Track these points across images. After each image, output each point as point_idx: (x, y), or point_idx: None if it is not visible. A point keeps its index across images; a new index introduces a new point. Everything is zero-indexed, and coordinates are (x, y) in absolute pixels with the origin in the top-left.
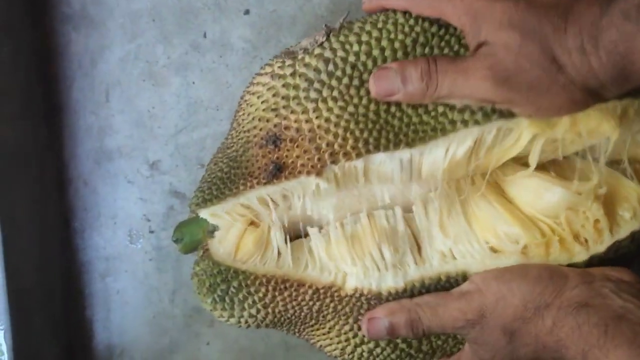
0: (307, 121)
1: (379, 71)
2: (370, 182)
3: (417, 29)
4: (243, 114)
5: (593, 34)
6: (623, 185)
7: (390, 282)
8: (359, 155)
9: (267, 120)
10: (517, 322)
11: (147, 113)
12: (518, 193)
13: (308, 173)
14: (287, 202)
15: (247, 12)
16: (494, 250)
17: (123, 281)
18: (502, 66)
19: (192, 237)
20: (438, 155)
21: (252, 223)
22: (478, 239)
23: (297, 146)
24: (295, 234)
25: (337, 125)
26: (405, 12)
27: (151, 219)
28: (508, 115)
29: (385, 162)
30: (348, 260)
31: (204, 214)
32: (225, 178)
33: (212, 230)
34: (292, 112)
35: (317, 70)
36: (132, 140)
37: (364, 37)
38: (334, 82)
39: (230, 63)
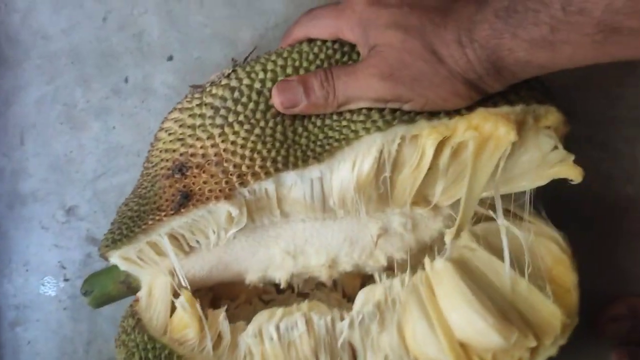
0: (213, 146)
1: (281, 83)
2: (286, 216)
3: (322, 55)
4: (152, 151)
5: (468, 28)
6: (545, 308)
7: None
8: (267, 174)
9: (174, 151)
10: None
11: (64, 157)
12: (448, 309)
13: (216, 198)
14: (205, 242)
15: (170, 58)
16: None
17: (34, 331)
18: (387, 62)
19: (102, 289)
20: (346, 170)
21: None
22: (409, 358)
23: (204, 172)
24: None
25: (243, 147)
26: (310, 41)
27: (67, 267)
28: (408, 120)
29: (296, 183)
30: None
31: (115, 257)
32: (135, 216)
33: (124, 281)
34: (198, 139)
35: (222, 98)
36: (47, 184)
37: (270, 66)
38: (239, 108)
39: (153, 108)
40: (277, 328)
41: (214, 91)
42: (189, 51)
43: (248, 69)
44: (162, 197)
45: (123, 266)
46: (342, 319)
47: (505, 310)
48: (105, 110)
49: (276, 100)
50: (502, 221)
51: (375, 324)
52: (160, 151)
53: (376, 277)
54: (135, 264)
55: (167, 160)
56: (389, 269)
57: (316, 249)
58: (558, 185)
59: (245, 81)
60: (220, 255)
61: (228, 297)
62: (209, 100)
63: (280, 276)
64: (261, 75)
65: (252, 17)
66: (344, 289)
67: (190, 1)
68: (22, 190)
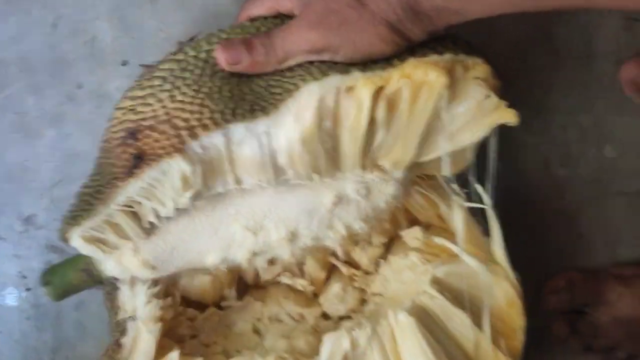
0: (162, 107)
1: (224, 41)
2: (240, 183)
3: (263, 28)
4: (107, 132)
5: None
6: None
7: None
8: (216, 124)
9: (125, 121)
10: None
11: (18, 166)
12: (408, 354)
13: (168, 154)
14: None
15: (125, 63)
16: None
17: None
18: (315, 11)
19: (62, 278)
20: (290, 123)
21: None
22: None
23: (155, 131)
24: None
25: (192, 103)
26: (253, 19)
27: (27, 276)
28: (343, 71)
29: (245, 139)
30: None
31: (75, 237)
32: (93, 192)
33: (86, 269)
34: (148, 104)
35: (170, 69)
36: (2, 195)
37: (214, 39)
38: (186, 75)
39: (109, 114)
40: None
41: (161, 66)
42: (144, 56)
43: (194, 44)
44: (116, 165)
45: (84, 249)
46: None
47: None
48: (60, 117)
49: (220, 57)
50: (459, 202)
51: None
52: (114, 126)
53: (340, 267)
54: (97, 245)
55: (120, 131)
56: (354, 267)
57: (275, 222)
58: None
59: (191, 53)
60: (181, 235)
61: (197, 308)
62: (157, 73)
63: (242, 255)
64: (206, 47)
65: (206, 20)
66: (312, 281)
67: (143, 6)
68: None
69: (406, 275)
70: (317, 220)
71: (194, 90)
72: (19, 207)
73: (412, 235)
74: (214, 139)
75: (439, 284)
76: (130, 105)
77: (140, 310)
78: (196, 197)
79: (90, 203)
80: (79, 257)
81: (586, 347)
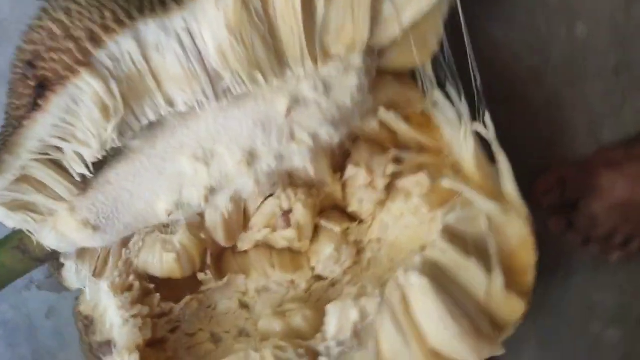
0: (59, 24)
1: None
2: (171, 103)
3: None
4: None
5: None
6: (512, 303)
7: None
8: (121, 24)
9: (23, 52)
10: None
11: None
12: (423, 324)
13: (73, 72)
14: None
15: None
16: None
17: None
18: None
19: None
20: (211, 10)
21: None
22: None
23: (54, 51)
24: None
25: (90, 7)
26: None
27: None
28: None
29: (161, 41)
30: None
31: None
32: (1, 145)
33: (19, 247)
34: (43, 27)
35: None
36: None
37: None
38: None
39: None
40: None
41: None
42: None
43: None
44: (20, 104)
45: (8, 218)
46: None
47: (476, 319)
48: None
49: None
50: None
51: (351, 347)
52: (14, 67)
53: (332, 227)
54: (24, 212)
55: (18, 67)
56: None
57: (226, 145)
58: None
59: None
60: (122, 183)
61: (171, 299)
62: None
63: (198, 194)
64: None
65: None
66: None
67: None
68: None
69: (408, 220)
70: (275, 133)
71: None
72: None
73: (415, 181)
74: (123, 44)
75: (449, 233)
76: (27, 37)
77: (117, 332)
78: (125, 132)
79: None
80: (10, 235)
81: (584, 240)
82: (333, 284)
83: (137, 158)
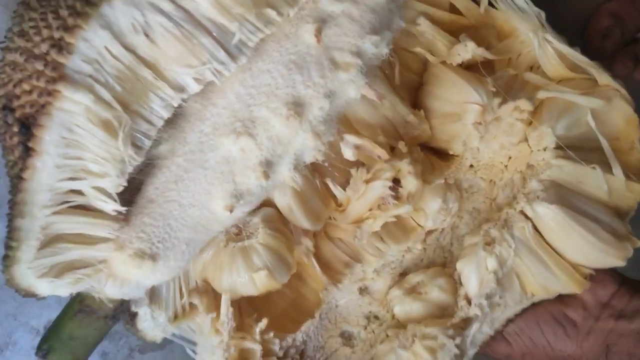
0: (18, 50)
1: None
2: (180, 90)
3: None
4: None
5: None
6: (632, 188)
7: None
8: (85, 16)
9: None
10: None
11: None
12: (562, 248)
13: (50, 93)
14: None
15: None
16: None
17: None
18: None
19: (60, 336)
20: None
21: None
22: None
23: (23, 80)
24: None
25: (45, 17)
26: None
27: None
28: None
29: (135, 18)
30: None
31: (29, 277)
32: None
33: (81, 309)
34: (5, 64)
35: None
36: None
37: None
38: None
39: None
40: None
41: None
42: None
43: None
44: (14, 158)
45: (61, 289)
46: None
47: (610, 223)
48: None
49: None
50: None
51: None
52: None
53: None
54: (69, 271)
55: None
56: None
57: (265, 105)
58: None
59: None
60: (165, 196)
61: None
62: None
63: (255, 176)
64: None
65: None
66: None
67: None
68: None
69: (503, 140)
70: (314, 68)
71: (40, 5)
72: None
73: (517, 107)
74: (95, 39)
75: (561, 145)
76: None
77: None
78: (142, 143)
79: (13, 225)
80: (70, 302)
81: None
82: (444, 231)
83: (171, 163)
